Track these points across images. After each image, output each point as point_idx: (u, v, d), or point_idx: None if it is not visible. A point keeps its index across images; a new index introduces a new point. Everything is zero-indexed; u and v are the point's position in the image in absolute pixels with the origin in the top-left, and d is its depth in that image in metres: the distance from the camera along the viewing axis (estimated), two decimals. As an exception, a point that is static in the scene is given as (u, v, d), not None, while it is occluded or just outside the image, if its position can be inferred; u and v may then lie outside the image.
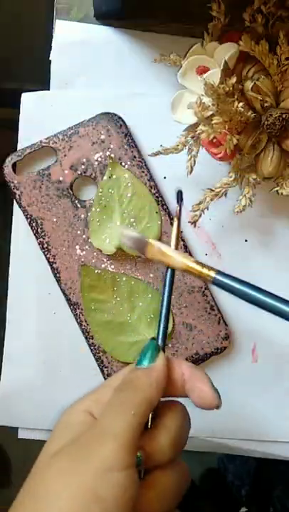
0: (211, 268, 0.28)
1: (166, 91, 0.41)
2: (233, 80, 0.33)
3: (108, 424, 0.24)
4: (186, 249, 0.41)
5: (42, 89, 0.43)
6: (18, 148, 0.42)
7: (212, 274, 0.28)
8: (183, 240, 0.41)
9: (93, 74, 0.43)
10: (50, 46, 0.43)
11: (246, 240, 0.42)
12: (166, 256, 0.29)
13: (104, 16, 0.42)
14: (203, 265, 0.28)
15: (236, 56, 0.35)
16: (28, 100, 0.42)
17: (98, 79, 0.43)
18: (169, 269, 0.30)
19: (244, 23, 0.36)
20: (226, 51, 0.35)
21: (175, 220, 0.31)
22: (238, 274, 0.42)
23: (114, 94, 0.42)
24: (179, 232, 0.31)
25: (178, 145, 0.38)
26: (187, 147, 0.38)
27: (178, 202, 0.32)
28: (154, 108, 0.42)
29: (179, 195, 0.32)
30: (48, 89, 0.43)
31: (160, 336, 0.29)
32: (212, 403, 0.27)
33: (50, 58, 0.43)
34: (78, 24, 0.43)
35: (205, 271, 0.28)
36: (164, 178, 0.42)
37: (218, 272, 0.28)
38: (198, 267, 0.28)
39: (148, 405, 0.25)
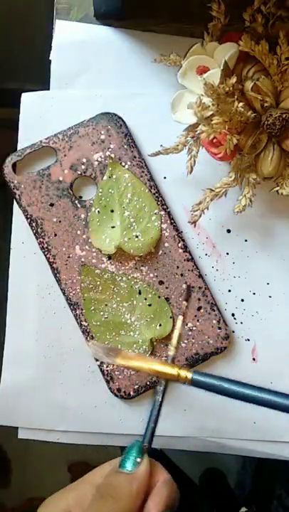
0: (187, 369, 0.29)
1: (166, 91, 0.41)
2: (233, 80, 0.33)
3: None
4: (186, 250, 0.41)
5: (42, 89, 0.43)
6: (18, 148, 0.42)
7: (189, 375, 0.29)
8: (183, 240, 0.41)
9: (93, 74, 0.43)
10: (50, 46, 0.43)
11: (246, 240, 0.42)
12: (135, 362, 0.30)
13: (104, 16, 0.42)
14: (179, 367, 0.29)
15: (236, 56, 0.35)
16: (28, 100, 0.42)
17: (98, 79, 0.43)
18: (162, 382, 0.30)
19: (244, 23, 0.36)
20: (226, 51, 0.35)
21: (180, 317, 0.32)
22: (238, 274, 0.42)
23: (114, 94, 0.42)
24: (183, 329, 0.32)
25: (178, 145, 0.38)
26: (187, 147, 0.38)
27: (186, 298, 0.32)
28: (154, 108, 0.42)
29: (188, 291, 0.33)
30: (48, 89, 0.43)
31: (146, 438, 0.29)
32: None
33: (50, 58, 0.43)
34: (78, 24, 0.43)
35: (182, 372, 0.29)
36: (164, 178, 0.42)
37: (196, 372, 0.29)
38: (174, 370, 0.29)
39: None
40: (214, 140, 0.36)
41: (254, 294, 0.42)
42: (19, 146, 0.42)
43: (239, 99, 0.34)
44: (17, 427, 0.43)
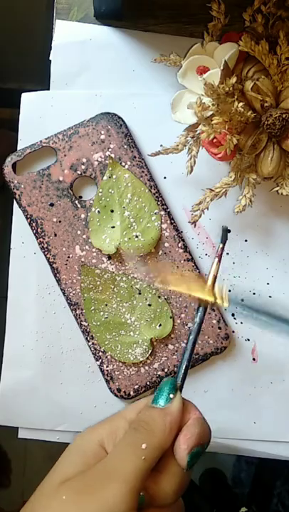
0: (225, 300, 0.30)
1: (166, 91, 0.41)
2: (233, 79, 0.33)
3: (118, 465, 0.24)
4: (186, 250, 0.41)
5: (42, 89, 0.43)
6: (18, 148, 0.42)
7: (226, 305, 0.29)
8: (183, 240, 0.41)
9: (93, 74, 0.43)
10: (50, 46, 0.43)
11: (246, 240, 0.42)
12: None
13: (104, 16, 0.42)
14: (219, 296, 0.29)
15: (236, 56, 0.35)
16: (28, 100, 0.42)
17: (98, 79, 0.43)
18: (200, 312, 0.30)
19: (244, 23, 0.36)
20: (226, 51, 0.35)
21: (216, 260, 0.31)
22: (238, 274, 0.42)
23: (114, 94, 0.42)
24: (218, 272, 0.31)
25: (178, 145, 0.38)
26: (187, 147, 0.38)
27: (222, 240, 0.31)
28: (154, 108, 0.42)
29: (225, 234, 0.31)
30: (48, 89, 0.43)
31: (180, 375, 0.29)
32: (180, 464, 0.27)
33: (50, 58, 0.43)
34: (78, 24, 0.43)
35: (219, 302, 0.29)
36: (164, 178, 0.42)
37: (233, 303, 0.30)
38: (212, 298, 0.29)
39: (159, 451, 0.26)
40: (214, 140, 0.36)
41: (254, 294, 0.42)
42: (19, 146, 0.42)
43: (239, 99, 0.34)
44: (17, 427, 0.43)
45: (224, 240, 0.31)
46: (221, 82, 0.34)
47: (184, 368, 0.29)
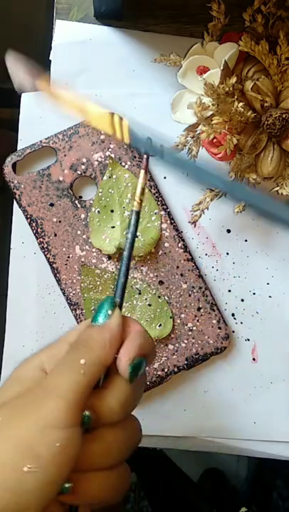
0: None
1: (166, 91, 0.41)
2: (233, 80, 0.34)
3: (56, 381, 0.24)
4: (186, 250, 0.41)
5: (42, 89, 0.43)
6: (18, 148, 0.42)
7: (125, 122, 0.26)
8: (183, 240, 0.41)
9: (93, 74, 0.43)
10: (50, 46, 0.43)
11: (246, 240, 0.42)
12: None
13: (104, 16, 0.42)
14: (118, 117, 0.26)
15: (236, 56, 0.35)
16: (28, 100, 0.42)
17: (98, 79, 0.43)
18: (132, 226, 0.29)
19: (244, 23, 0.36)
20: (226, 51, 0.35)
21: (142, 171, 0.29)
22: (238, 274, 0.42)
23: (114, 94, 0.42)
24: (145, 184, 0.29)
25: (178, 145, 0.38)
26: (187, 147, 0.38)
27: (146, 151, 0.29)
28: (154, 108, 0.42)
29: (149, 143, 0.29)
30: (48, 89, 0.43)
31: (118, 292, 0.28)
32: (123, 375, 0.26)
33: (50, 58, 0.43)
34: (78, 24, 0.43)
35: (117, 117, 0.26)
36: (164, 178, 0.42)
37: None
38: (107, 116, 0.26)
39: (100, 366, 0.25)
40: (214, 140, 0.36)
41: (254, 294, 0.42)
42: (19, 146, 0.42)
43: (239, 99, 0.34)
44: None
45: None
46: (221, 82, 0.34)
47: (121, 284, 0.28)
